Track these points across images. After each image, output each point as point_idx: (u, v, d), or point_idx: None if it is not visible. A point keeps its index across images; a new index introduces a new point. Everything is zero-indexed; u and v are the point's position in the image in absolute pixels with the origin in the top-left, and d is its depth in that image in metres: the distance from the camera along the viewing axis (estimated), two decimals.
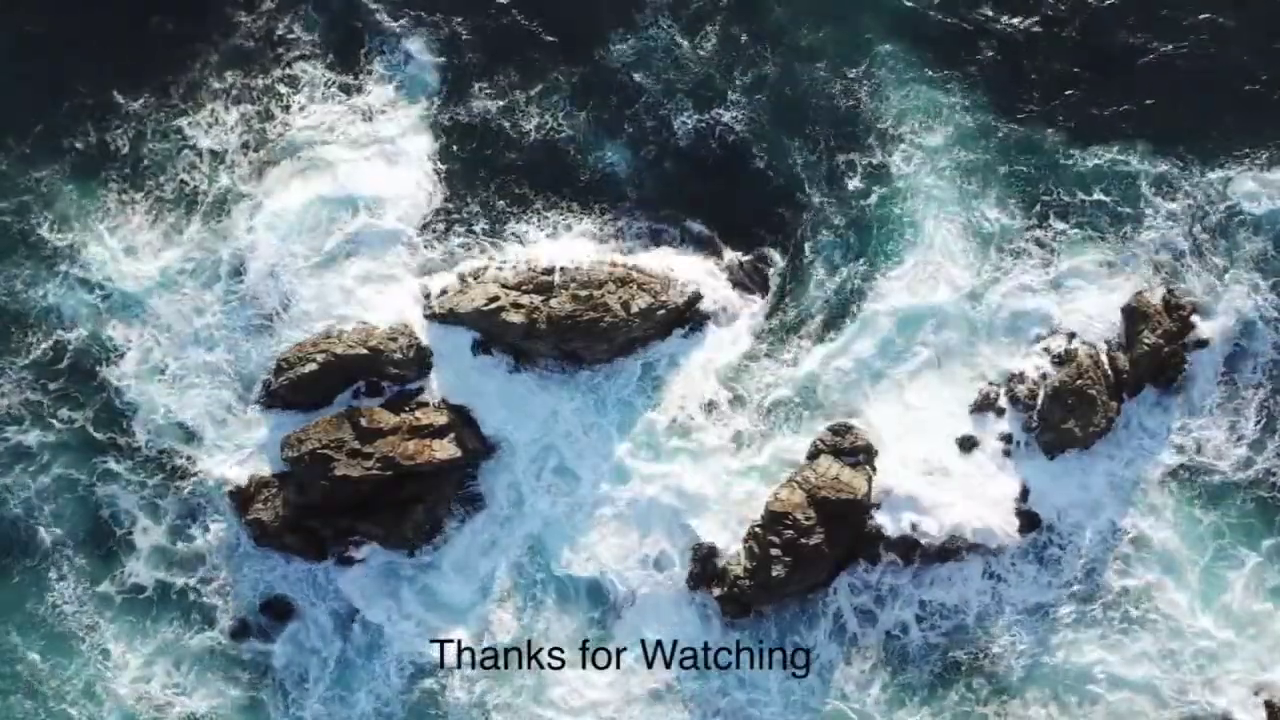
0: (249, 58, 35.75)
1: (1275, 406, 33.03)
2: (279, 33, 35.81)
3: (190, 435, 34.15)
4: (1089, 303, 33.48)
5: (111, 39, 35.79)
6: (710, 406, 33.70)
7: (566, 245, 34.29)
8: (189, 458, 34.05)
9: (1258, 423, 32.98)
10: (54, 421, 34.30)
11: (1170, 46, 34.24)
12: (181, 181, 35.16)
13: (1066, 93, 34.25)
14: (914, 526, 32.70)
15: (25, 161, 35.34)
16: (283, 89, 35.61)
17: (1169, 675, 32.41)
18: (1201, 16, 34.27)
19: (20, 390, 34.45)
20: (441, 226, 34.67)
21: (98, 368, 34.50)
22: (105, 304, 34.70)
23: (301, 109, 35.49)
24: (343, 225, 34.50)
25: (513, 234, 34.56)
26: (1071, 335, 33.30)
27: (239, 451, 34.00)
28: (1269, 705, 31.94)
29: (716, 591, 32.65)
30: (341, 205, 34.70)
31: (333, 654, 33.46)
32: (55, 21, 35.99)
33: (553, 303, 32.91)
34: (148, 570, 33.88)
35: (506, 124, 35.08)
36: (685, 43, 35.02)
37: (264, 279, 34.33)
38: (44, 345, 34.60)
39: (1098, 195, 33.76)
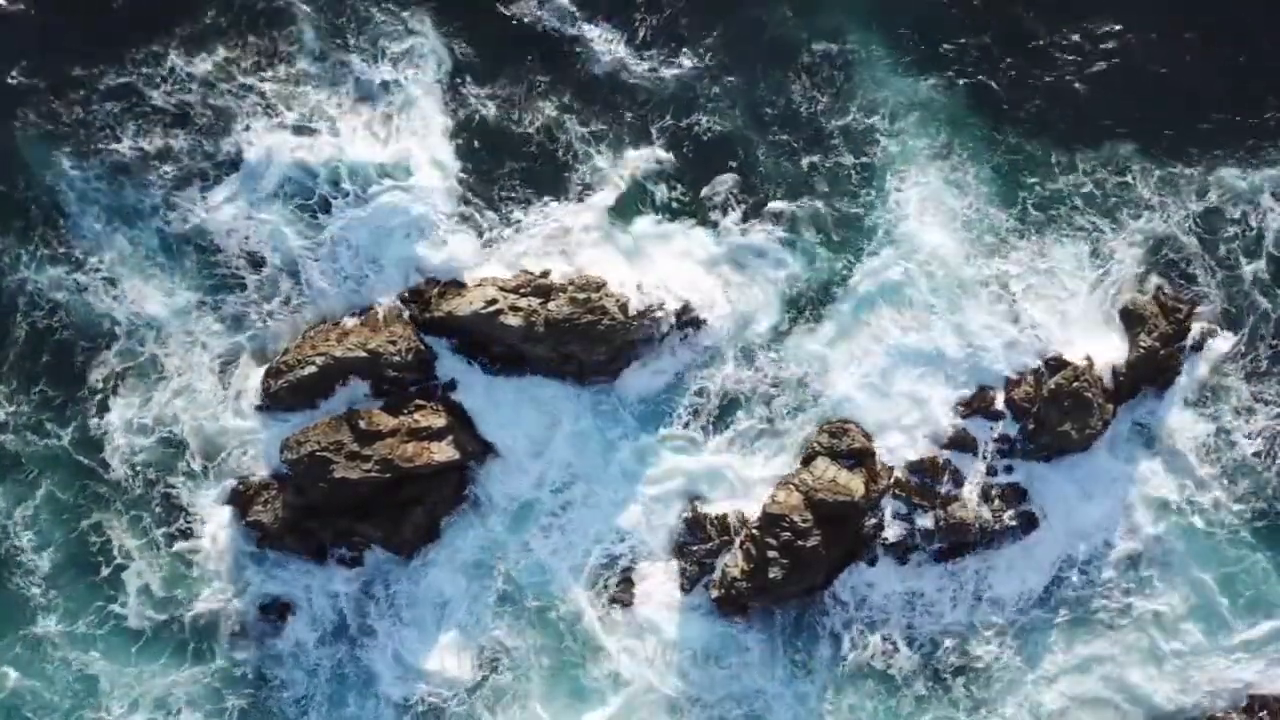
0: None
1: (1272, 408, 33.22)
2: None
3: (185, 440, 34.01)
4: (1083, 302, 33.54)
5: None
6: (711, 406, 33.82)
7: (566, 245, 34.27)
8: (184, 462, 33.98)
9: (1254, 425, 33.17)
10: (30, 432, 33.78)
11: (1158, 44, 34.27)
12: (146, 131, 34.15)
13: (1053, 87, 34.09)
14: (910, 528, 32.95)
15: None
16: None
17: (1163, 680, 32.70)
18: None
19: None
20: (442, 224, 34.33)
21: (82, 367, 33.94)
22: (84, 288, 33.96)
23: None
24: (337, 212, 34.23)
25: (512, 235, 34.46)
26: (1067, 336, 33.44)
27: (236, 453, 34.00)
28: (1263, 702, 32.26)
29: (714, 593, 32.87)
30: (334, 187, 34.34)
31: (328, 659, 33.56)
32: None
33: (551, 305, 32.93)
34: (140, 611, 33.40)
35: (503, 124, 34.63)
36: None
37: (248, 261, 34.18)
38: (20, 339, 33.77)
39: (1087, 190, 33.71)
